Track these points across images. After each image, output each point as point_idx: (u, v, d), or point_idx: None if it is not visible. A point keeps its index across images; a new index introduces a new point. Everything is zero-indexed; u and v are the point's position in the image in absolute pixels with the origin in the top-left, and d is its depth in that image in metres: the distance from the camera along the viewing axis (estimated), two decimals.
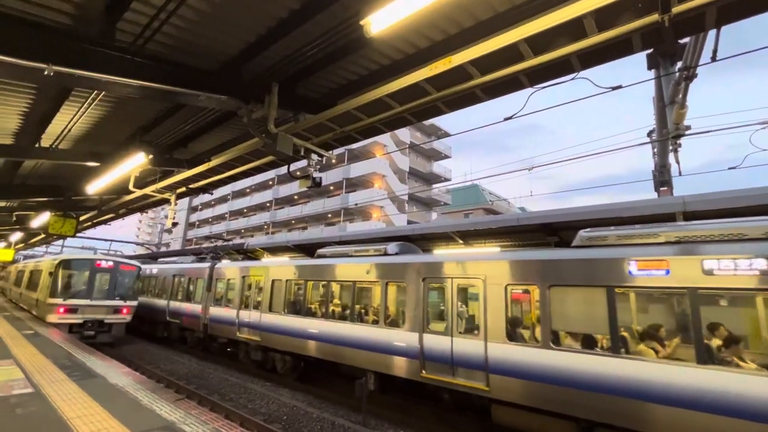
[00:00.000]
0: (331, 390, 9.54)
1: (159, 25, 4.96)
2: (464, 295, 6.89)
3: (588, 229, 6.11)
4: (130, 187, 9.41)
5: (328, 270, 8.95)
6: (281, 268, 10.29)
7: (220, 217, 58.47)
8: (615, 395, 5.06)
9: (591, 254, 5.65)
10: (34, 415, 5.33)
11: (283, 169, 43.33)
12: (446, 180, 45.57)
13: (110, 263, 11.78)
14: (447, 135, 41.86)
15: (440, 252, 7.73)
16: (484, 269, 6.53)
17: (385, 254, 8.28)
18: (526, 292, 6.15)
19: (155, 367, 11.92)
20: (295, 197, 46.25)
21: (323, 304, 9.04)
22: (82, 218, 15.32)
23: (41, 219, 13.42)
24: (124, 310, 11.44)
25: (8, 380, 6.84)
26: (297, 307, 9.72)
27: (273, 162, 8.14)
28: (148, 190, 10.39)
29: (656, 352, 5.02)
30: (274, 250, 16.00)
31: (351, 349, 8.11)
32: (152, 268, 17.27)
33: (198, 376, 11.09)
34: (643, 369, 4.95)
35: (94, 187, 9.36)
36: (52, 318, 10.51)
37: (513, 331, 6.18)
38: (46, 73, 4.61)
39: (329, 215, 40.83)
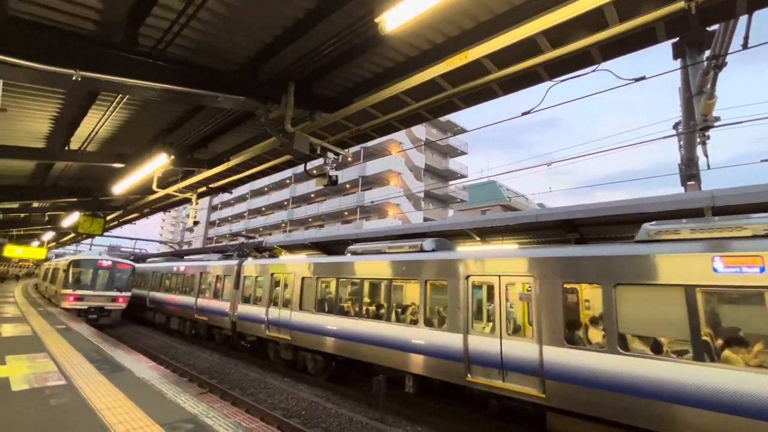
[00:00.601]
0: (352, 387, 9.64)
1: (179, 29, 5.02)
2: (513, 294, 6.58)
3: (654, 223, 5.66)
4: (154, 187, 9.65)
5: (360, 267, 8.92)
6: (312, 265, 10.29)
7: (239, 216, 59.45)
8: (695, 407, 4.57)
9: (662, 249, 5.13)
10: (67, 406, 5.56)
11: (300, 168, 43.31)
12: (462, 177, 45.08)
13: (109, 263, 14.84)
14: (463, 131, 41.38)
15: (481, 248, 7.52)
16: (534, 266, 6.18)
17: (422, 251, 8.14)
18: (586, 291, 5.77)
19: (179, 362, 12.39)
20: (312, 195, 46.60)
21: (356, 302, 9.04)
22: (109, 218, 15.83)
23: (71, 219, 13.93)
24: (120, 299, 14.69)
25: (43, 372, 7.22)
26: (329, 306, 9.71)
27: (290, 161, 8.14)
28: (170, 190, 10.60)
29: (746, 359, 4.53)
30: (292, 248, 16.20)
31: (387, 350, 7.98)
32: (178, 266, 17.69)
33: (219, 371, 11.39)
34: (734, 378, 4.43)
35: (120, 188, 9.62)
36: (65, 304, 13.57)
37: (572, 333, 5.75)
38: (74, 78, 4.74)
39: (345, 213, 41.00)
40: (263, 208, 54.54)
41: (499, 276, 6.75)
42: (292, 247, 16.16)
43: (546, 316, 6.03)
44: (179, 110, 7.17)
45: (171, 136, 8.00)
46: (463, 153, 47.05)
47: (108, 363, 8.21)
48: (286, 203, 50.10)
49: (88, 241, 46.67)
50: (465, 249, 8.04)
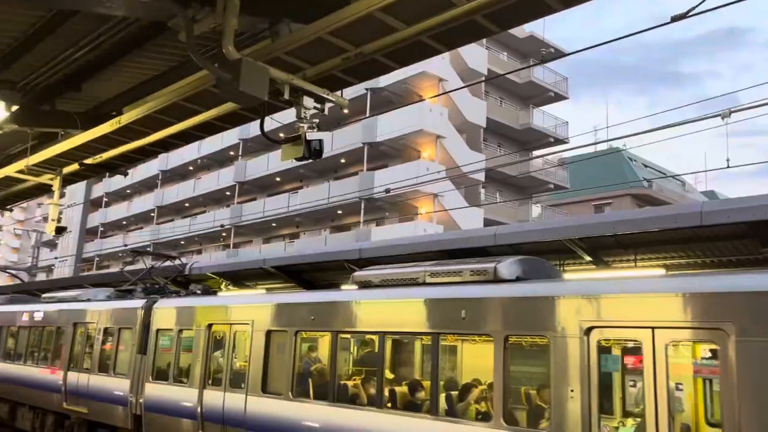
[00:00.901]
0: None
1: None
2: (680, 360, 6.64)
3: None
4: None
5: (377, 312, 9.30)
6: (285, 308, 10.83)
7: (143, 218, 60.46)
8: None
9: None
10: None
11: (253, 128, 44.18)
12: (557, 141, 45.08)
13: None
14: (561, 55, 41.08)
15: (611, 275, 7.67)
16: (733, 308, 6.23)
17: (497, 279, 8.36)
18: None
19: None
20: (276, 180, 47.01)
21: (369, 378, 9.31)
22: None
23: None
24: None
25: None
26: (317, 385, 10.07)
27: (234, 114, 8.27)
28: (12, 170, 10.72)
29: None
30: (241, 277, 16.27)
31: None
32: (32, 311, 18.14)
33: None
34: None
35: None
36: None
37: None
38: None
39: (339, 212, 41.21)
40: (186, 204, 55.33)
41: (653, 327, 6.63)
42: (242, 277, 16.31)
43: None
44: (26, 21, 7.13)
45: (12, 69, 8.10)
46: (560, 97, 47.18)
47: None
48: (228, 194, 50.66)
49: None
50: (579, 277, 7.97)
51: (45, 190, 13.30)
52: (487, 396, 8.07)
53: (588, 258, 10.37)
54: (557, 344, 7.24)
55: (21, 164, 10.52)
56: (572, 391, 6.99)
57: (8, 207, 18.01)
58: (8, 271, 46.51)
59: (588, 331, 7.07)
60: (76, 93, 8.71)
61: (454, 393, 8.45)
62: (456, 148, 38.87)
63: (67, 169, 11.26)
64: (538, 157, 41.37)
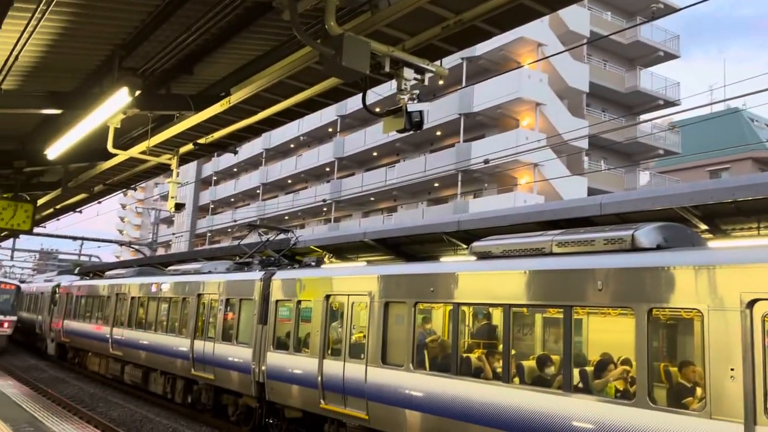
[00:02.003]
0: None
1: None
2: None
3: None
4: (109, 146, 9.97)
5: (498, 283, 9.09)
6: (401, 279, 10.77)
7: (249, 195, 62.54)
8: None
9: None
10: None
11: (353, 103, 44.38)
12: (667, 104, 42.51)
13: None
14: (671, 11, 38.21)
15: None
16: None
17: (634, 248, 7.96)
18: None
19: None
20: (374, 154, 47.17)
21: (494, 352, 9.16)
22: (40, 202, 17.06)
23: None
24: (5, 324, 23.26)
25: None
26: (438, 358, 10.01)
27: (336, 89, 8.18)
28: (135, 151, 11.05)
29: None
30: (341, 249, 16.43)
31: None
32: (159, 283, 19.04)
33: None
34: None
35: (56, 150, 10.15)
36: None
37: None
38: None
39: (435, 185, 40.83)
40: (289, 180, 56.67)
41: None
42: (343, 249, 16.66)
43: None
44: (143, 10, 7.18)
45: (133, 56, 8.20)
46: (670, 56, 44.70)
47: None
48: (327, 170, 51.37)
49: (9, 244, 52.89)
50: (734, 245, 7.45)
51: (163, 169, 13.75)
52: (627, 373, 7.60)
53: (703, 226, 9.79)
54: (712, 318, 6.65)
55: (143, 146, 10.80)
56: (732, 370, 6.44)
57: (132, 187, 18.82)
58: (133, 246, 49.50)
59: (751, 304, 6.44)
60: (188, 76, 8.82)
61: (589, 369, 8.05)
62: (557, 115, 37.59)
63: (183, 149, 11.54)
64: (646, 121, 39.38)
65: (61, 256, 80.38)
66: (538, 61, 36.04)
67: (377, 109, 7.42)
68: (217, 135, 10.65)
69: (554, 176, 33.91)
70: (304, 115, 9.82)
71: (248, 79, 8.54)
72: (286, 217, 53.63)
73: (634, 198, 10.25)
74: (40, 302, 32.26)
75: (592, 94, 40.72)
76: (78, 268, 41.81)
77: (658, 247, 7.84)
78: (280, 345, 13.18)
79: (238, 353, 14.29)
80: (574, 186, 35.73)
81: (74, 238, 42.46)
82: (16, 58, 7.72)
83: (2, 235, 26.12)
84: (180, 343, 16.83)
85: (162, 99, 9.21)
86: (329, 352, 11.80)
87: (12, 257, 63.35)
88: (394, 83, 6.89)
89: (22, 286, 36.47)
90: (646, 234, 8.00)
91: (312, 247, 16.96)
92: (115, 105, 7.82)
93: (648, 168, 44.73)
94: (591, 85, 40.04)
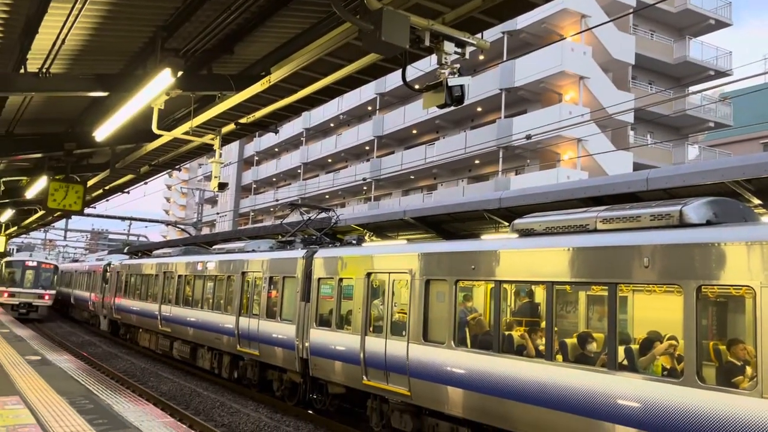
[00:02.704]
0: None
1: None
2: None
3: None
4: (153, 127, 10.23)
5: (544, 259, 8.95)
6: (442, 257, 10.74)
7: (290, 174, 63.03)
8: None
9: None
10: None
11: (392, 81, 44.12)
12: (718, 74, 41.00)
13: (35, 263, 31.66)
14: None
15: None
16: None
17: (682, 224, 7.73)
18: None
19: (207, 419, 13.78)
20: (413, 132, 46.90)
21: (536, 329, 9.09)
22: (90, 183, 17.55)
23: (37, 187, 15.63)
24: (46, 297, 31.28)
25: (16, 425, 8.56)
26: (479, 336, 10.00)
27: (375, 65, 8.15)
28: (178, 132, 11.25)
29: None
30: (381, 228, 16.46)
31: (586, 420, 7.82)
32: (205, 261, 19.45)
33: None
34: None
35: (103, 132, 10.41)
36: (1, 298, 29.50)
37: None
38: None
39: (476, 162, 40.43)
40: (329, 159, 56.85)
41: None
42: (383, 228, 16.69)
43: None
44: None
45: (175, 37, 8.29)
46: (721, 24, 43.19)
47: (105, 415, 9.61)
48: (367, 148, 51.32)
49: (62, 224, 54.62)
50: None
51: (206, 149, 13.96)
52: (675, 351, 7.42)
53: (756, 201, 9.47)
54: (765, 295, 6.44)
55: (186, 126, 10.96)
56: None
57: (177, 168, 19.16)
58: (178, 225, 50.52)
59: None
60: (229, 56, 8.90)
61: (635, 347, 7.89)
62: (601, 88, 36.70)
63: (224, 129, 11.68)
64: (695, 92, 37.99)
65: (110, 236, 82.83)
66: (581, 32, 35.13)
67: (417, 86, 7.28)
68: (258, 114, 10.75)
69: (598, 151, 33.15)
70: (343, 92, 9.86)
71: (288, 58, 8.55)
72: (327, 196, 53.94)
73: (683, 172, 9.88)
74: (92, 280, 33.32)
75: (638, 66, 39.59)
76: (127, 248, 42.95)
77: (708, 223, 7.60)
78: (323, 322, 13.32)
79: (282, 330, 14.49)
80: (619, 161, 34.96)
81: (122, 219, 43.58)
82: (63, 41, 7.88)
83: (55, 215, 27.01)
84: (226, 320, 17.17)
85: (204, 79, 9.34)
86: (371, 329, 11.87)
87: (65, 237, 65.47)
88: (434, 59, 6.80)
89: (76, 265, 38.50)
90: (696, 209, 7.75)
91: (352, 225, 17.04)
92: (158, 86, 7.93)
93: (697, 142, 43.38)
94: (637, 57, 38.90)
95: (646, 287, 7.87)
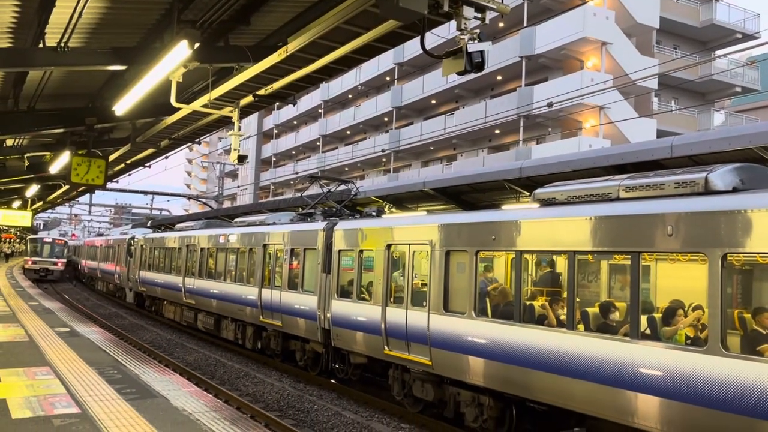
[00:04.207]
0: None
1: None
2: None
3: None
4: (172, 101, 10.21)
5: (566, 229, 8.93)
6: (462, 228, 10.69)
7: (310, 147, 63.00)
8: None
9: None
10: None
11: (411, 50, 43.62)
12: (746, 38, 39.86)
13: (50, 239, 48.83)
14: None
15: None
16: None
17: (707, 191, 7.60)
18: None
19: (232, 389, 14.06)
20: (432, 102, 46.49)
21: (557, 299, 9.18)
22: (111, 157, 17.68)
23: (60, 162, 15.81)
24: (59, 264, 47.94)
25: (48, 395, 8.87)
26: (500, 305, 10.07)
27: (393, 33, 7.99)
28: (197, 105, 11.22)
29: None
30: (401, 200, 16.43)
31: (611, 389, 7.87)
32: (227, 234, 19.67)
33: (295, 405, 12.58)
34: None
35: (123, 106, 10.44)
36: (27, 265, 48.22)
37: None
38: None
39: (496, 131, 40.04)
40: (347, 131, 56.66)
41: None
42: (402, 199, 16.62)
43: None
44: None
45: (191, 9, 8.26)
46: None
47: (133, 385, 9.93)
48: (386, 119, 51.01)
49: (86, 200, 55.56)
50: None
51: (225, 122, 13.94)
52: (699, 319, 7.37)
53: None
54: None
55: (204, 99, 10.93)
56: None
57: (197, 140, 19.21)
58: (200, 199, 50.99)
59: None
60: (246, 27, 8.82)
61: (657, 316, 7.84)
62: (624, 54, 35.90)
63: (243, 101, 11.63)
64: (722, 56, 36.94)
65: (134, 211, 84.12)
66: None
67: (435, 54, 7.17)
68: (276, 86, 10.66)
69: (621, 119, 32.62)
70: (361, 62, 9.69)
71: (304, 27, 8.40)
72: (346, 169, 53.89)
73: (709, 138, 9.67)
74: (117, 254, 33.85)
75: (662, 30, 38.61)
76: (150, 222, 43.51)
77: (734, 190, 7.43)
78: (344, 293, 13.41)
79: (304, 301, 14.63)
80: (642, 129, 34.33)
81: (145, 193, 44.11)
82: (80, 15, 7.84)
83: (79, 190, 27.34)
84: (248, 292, 17.36)
85: (221, 51, 9.28)
86: (392, 300, 11.93)
87: (90, 212, 66.45)
88: (453, 25, 6.67)
89: (101, 239, 40.21)
90: (721, 176, 7.58)
91: (372, 197, 17.01)
92: (175, 58, 7.89)
93: (723, 107, 42.53)
94: (661, 21, 37.93)
95: (669, 256, 7.78)
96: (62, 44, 8.61)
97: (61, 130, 14.42)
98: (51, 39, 8.60)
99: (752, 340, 6.79)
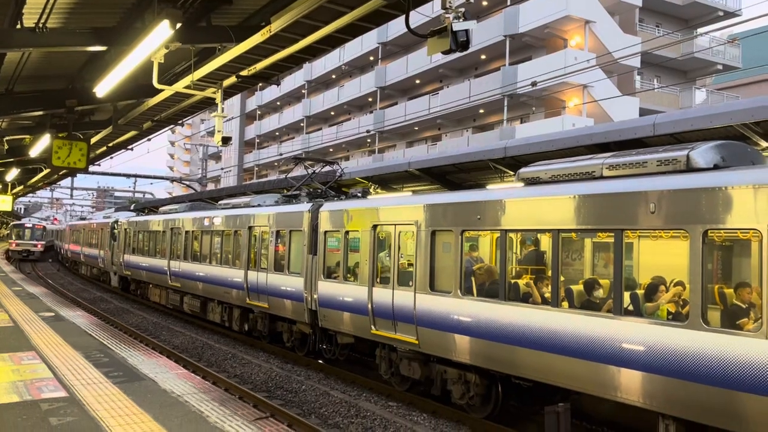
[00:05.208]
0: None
1: None
2: None
3: None
4: (154, 82, 10.13)
5: (550, 207, 8.95)
6: (447, 208, 10.75)
7: (293, 128, 62.62)
8: None
9: None
10: (73, 428, 6.80)
11: (395, 29, 43.34)
12: (727, 15, 40.03)
13: (31, 224, 60.95)
14: None
15: None
16: None
17: (689, 169, 7.66)
18: None
19: (220, 370, 14.11)
20: (416, 82, 46.32)
21: (542, 277, 9.28)
22: (93, 140, 17.49)
23: (41, 145, 15.61)
24: (39, 245, 58.69)
25: (34, 379, 8.90)
26: (486, 284, 10.16)
27: (377, 12, 7.94)
28: (179, 86, 11.12)
29: None
30: (386, 180, 16.50)
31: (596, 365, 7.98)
32: (211, 216, 19.61)
33: (283, 386, 12.66)
34: None
35: (104, 88, 10.30)
36: (11, 247, 58.81)
37: None
38: None
39: (480, 111, 40.03)
40: (332, 112, 56.36)
41: None
42: (387, 180, 16.65)
43: None
44: None
45: None
46: None
47: (120, 368, 9.97)
48: (370, 100, 50.77)
49: (68, 183, 55.09)
50: None
51: (208, 103, 13.86)
52: (680, 295, 7.49)
53: (765, 144, 9.35)
54: None
55: (187, 80, 10.84)
56: None
57: (180, 122, 19.04)
58: (183, 182, 50.63)
59: None
60: (228, 6, 8.73)
61: (640, 292, 7.97)
62: (607, 32, 35.97)
63: (226, 82, 11.56)
64: (704, 34, 37.08)
65: (116, 194, 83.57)
66: None
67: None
68: (259, 66, 10.57)
69: (604, 97, 32.73)
70: (345, 41, 9.63)
71: (288, 7, 8.32)
72: (331, 150, 53.70)
73: (690, 116, 9.70)
74: (100, 238, 33.61)
75: (645, 8, 38.68)
76: (133, 205, 43.21)
77: (716, 167, 7.52)
78: (331, 274, 13.44)
79: (291, 282, 14.65)
80: (625, 107, 34.54)
81: (127, 176, 43.78)
82: None
83: (61, 173, 27.03)
84: (234, 274, 17.34)
85: (203, 31, 9.15)
86: (378, 280, 11.98)
87: (71, 195, 65.84)
88: (437, 4, 6.65)
89: (83, 222, 39.90)
90: (703, 153, 7.66)
91: (357, 178, 16.99)
92: (157, 39, 7.81)
93: (705, 85, 42.72)
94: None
95: (652, 233, 7.89)
96: (40, 25, 8.48)
97: (41, 113, 14.23)
98: (29, 19, 8.44)
99: (732, 315, 6.93)
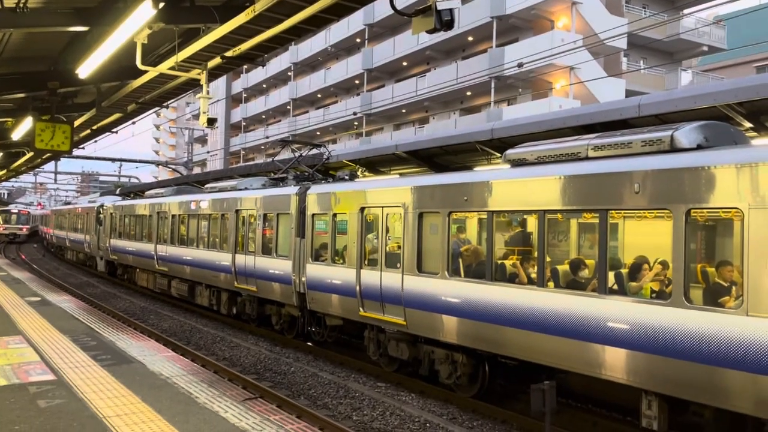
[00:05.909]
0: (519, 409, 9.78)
1: None
2: None
3: None
4: (138, 63, 10.03)
5: (536, 188, 9.01)
6: (435, 190, 10.79)
7: (280, 111, 62.22)
8: None
9: None
10: (62, 409, 6.85)
11: (381, 10, 43.02)
12: None
13: (17, 210, 71.05)
14: None
15: None
16: None
17: (673, 149, 7.72)
18: None
19: (209, 353, 14.21)
20: (403, 64, 46.11)
21: (528, 257, 9.33)
22: (77, 123, 17.29)
23: (23, 128, 15.42)
24: (24, 229, 67.86)
25: (22, 363, 8.92)
26: (473, 265, 10.21)
27: None
28: (164, 68, 11.01)
29: None
30: (374, 163, 16.43)
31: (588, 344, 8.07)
32: (198, 200, 19.56)
33: (272, 368, 12.78)
34: None
35: (87, 69, 10.25)
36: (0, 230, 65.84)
37: None
38: None
39: (468, 93, 39.99)
40: (318, 95, 56.03)
41: None
42: (375, 163, 16.67)
43: None
44: None
45: None
46: None
47: (108, 351, 9.99)
48: (357, 82, 50.51)
49: (51, 167, 54.39)
50: None
51: (193, 85, 13.72)
52: (664, 274, 7.58)
53: (748, 124, 9.39)
54: (753, 217, 6.49)
55: (171, 61, 10.72)
56: None
57: (165, 104, 18.87)
58: (169, 165, 50.25)
59: None
60: None
61: (624, 271, 8.06)
62: (594, 13, 35.98)
63: (211, 63, 11.43)
64: (689, 14, 37.08)
65: (101, 178, 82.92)
66: None
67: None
68: (244, 47, 10.45)
69: (591, 79, 32.80)
70: (331, 21, 9.53)
71: None
72: (318, 133, 53.48)
73: (675, 97, 9.76)
74: (86, 222, 33.39)
75: None
76: (119, 189, 42.88)
77: (699, 147, 7.59)
78: (319, 257, 13.48)
79: (279, 266, 14.68)
80: (611, 89, 34.61)
81: (113, 160, 43.27)
82: None
83: (44, 157, 26.73)
84: (222, 258, 17.33)
85: (186, 11, 9.04)
86: (366, 262, 12.03)
87: (56, 180, 65.22)
88: None
89: (68, 207, 39.57)
90: (686, 134, 7.73)
91: (344, 161, 16.96)
92: (139, 19, 7.75)
93: (691, 67, 42.88)
94: None
95: (636, 213, 7.98)
96: (21, 4, 8.36)
97: (23, 95, 14.07)
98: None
99: (714, 293, 7.04)
